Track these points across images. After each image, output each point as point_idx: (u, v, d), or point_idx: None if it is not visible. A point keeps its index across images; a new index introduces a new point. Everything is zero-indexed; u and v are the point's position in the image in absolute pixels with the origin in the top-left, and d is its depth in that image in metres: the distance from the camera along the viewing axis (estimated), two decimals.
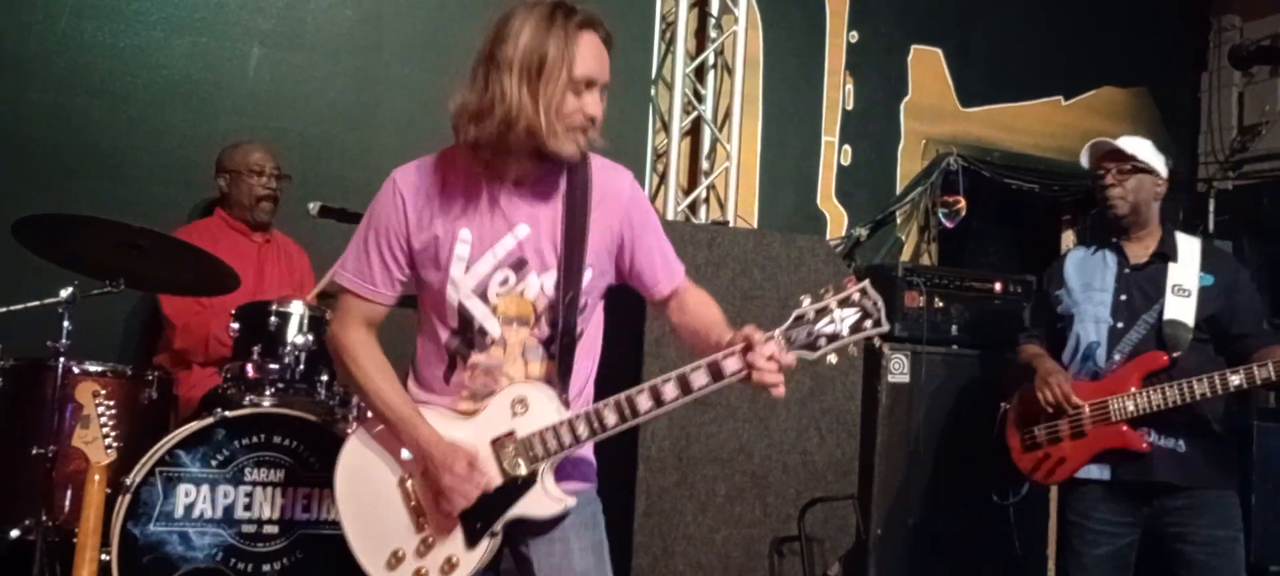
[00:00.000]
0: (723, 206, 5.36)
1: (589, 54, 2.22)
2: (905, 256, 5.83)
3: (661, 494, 4.10)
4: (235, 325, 3.57)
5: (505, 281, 2.31)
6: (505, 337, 2.33)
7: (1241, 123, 6.35)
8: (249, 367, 3.51)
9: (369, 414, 2.44)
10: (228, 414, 3.29)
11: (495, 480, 2.30)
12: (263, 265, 4.23)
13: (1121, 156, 3.56)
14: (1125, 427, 3.44)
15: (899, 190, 5.88)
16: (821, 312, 2.25)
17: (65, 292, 3.29)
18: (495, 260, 2.30)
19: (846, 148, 5.81)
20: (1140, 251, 3.60)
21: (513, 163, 2.28)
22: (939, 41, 6.00)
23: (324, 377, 3.58)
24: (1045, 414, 3.61)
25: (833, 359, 2.26)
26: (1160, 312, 3.47)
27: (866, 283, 2.28)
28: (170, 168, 4.49)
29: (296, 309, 3.57)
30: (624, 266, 2.45)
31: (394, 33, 4.89)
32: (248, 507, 3.30)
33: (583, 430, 2.30)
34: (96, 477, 2.97)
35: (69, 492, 3.35)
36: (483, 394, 2.34)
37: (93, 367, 3.44)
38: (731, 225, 5.11)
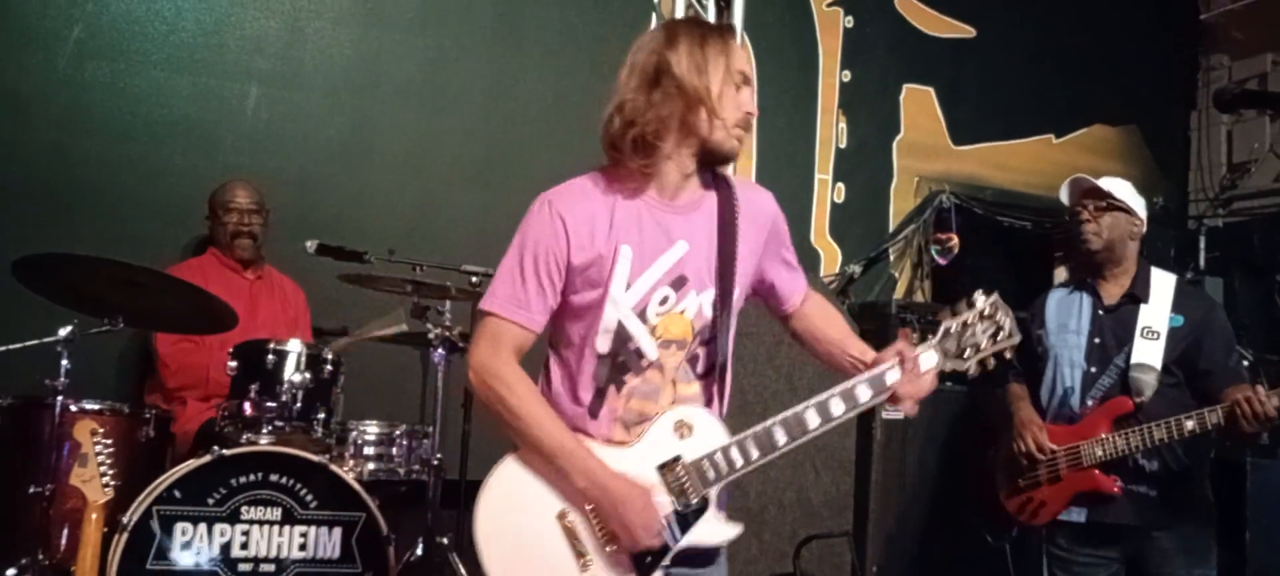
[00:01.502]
0: None
1: (741, 54, 2.30)
2: (898, 293, 5.86)
3: None
4: (233, 363, 3.58)
5: (665, 299, 2.26)
6: (662, 360, 2.27)
7: (1231, 160, 6.41)
8: (246, 405, 3.51)
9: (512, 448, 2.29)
10: (225, 452, 3.29)
11: (668, 509, 2.22)
12: (255, 301, 4.24)
13: (1098, 194, 3.62)
14: (1097, 472, 3.49)
15: (892, 227, 5.93)
16: (965, 327, 2.35)
17: (64, 331, 3.30)
18: (656, 277, 2.26)
19: (840, 185, 5.86)
20: (1114, 291, 3.64)
21: (670, 171, 2.28)
22: (931, 80, 6.07)
23: (321, 415, 3.59)
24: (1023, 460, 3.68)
25: (975, 370, 2.37)
26: (1128, 356, 3.52)
27: (996, 296, 2.40)
28: (169, 206, 4.51)
29: (294, 347, 3.59)
30: (763, 280, 2.46)
31: (391, 73, 4.93)
32: (244, 546, 3.29)
33: (754, 451, 2.24)
34: (94, 516, 2.97)
35: (66, 531, 3.35)
36: (634, 422, 2.26)
37: (90, 406, 3.44)
38: None
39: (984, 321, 2.35)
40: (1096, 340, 3.61)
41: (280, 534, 3.33)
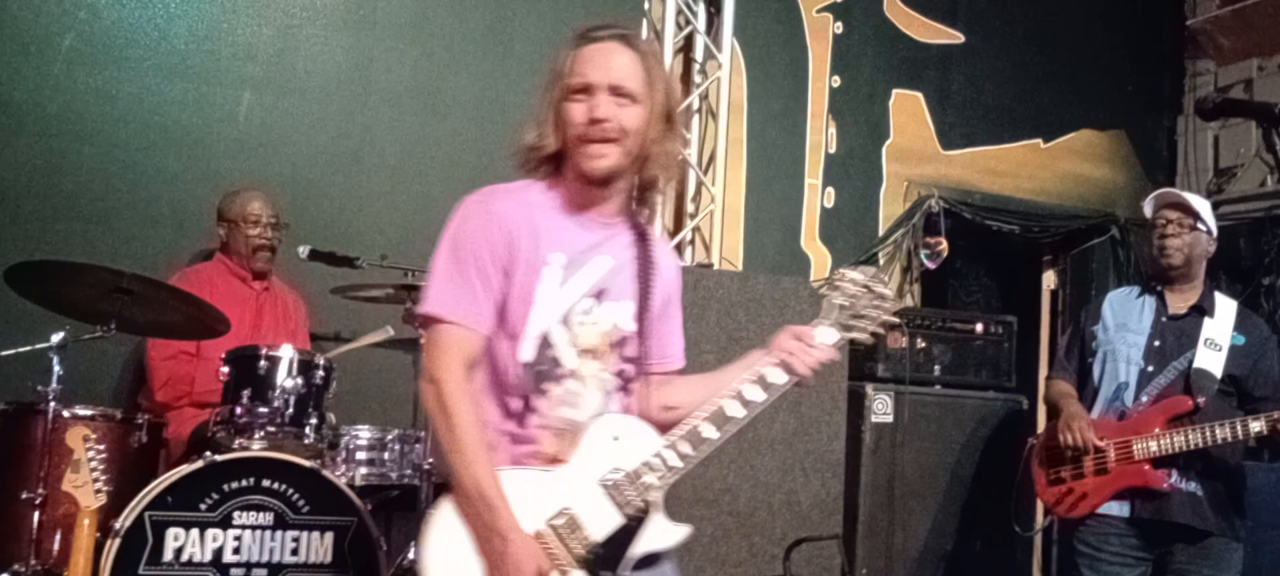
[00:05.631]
0: (708, 249, 5.42)
1: (591, 59, 2.24)
2: None
3: None
4: (226, 369, 3.59)
5: (587, 310, 2.27)
6: (580, 370, 2.27)
7: (1217, 165, 6.45)
8: (238, 411, 3.53)
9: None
10: (217, 457, 3.31)
11: (614, 522, 2.22)
12: (261, 311, 4.25)
13: (1187, 210, 3.71)
14: (1147, 466, 3.57)
15: (881, 232, 5.96)
16: (852, 300, 2.40)
17: (57, 338, 3.32)
18: (582, 287, 2.27)
19: (830, 190, 5.88)
20: (1180, 303, 3.75)
21: (580, 192, 2.29)
22: (920, 86, 6.10)
23: (313, 421, 3.61)
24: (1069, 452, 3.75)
25: (868, 339, 2.42)
26: (1191, 360, 3.63)
27: (873, 269, 2.47)
28: (162, 212, 4.53)
29: (286, 353, 3.60)
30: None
31: (383, 79, 4.95)
32: (237, 551, 3.31)
33: (687, 448, 2.25)
34: (86, 522, 2.98)
35: (58, 536, 3.35)
36: (563, 428, 2.26)
37: (83, 412, 3.46)
38: (716, 267, 5.17)
39: (867, 293, 2.40)
40: (1157, 343, 3.71)
41: (272, 538, 3.35)
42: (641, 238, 2.37)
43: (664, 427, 2.31)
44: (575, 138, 2.23)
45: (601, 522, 2.22)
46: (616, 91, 2.23)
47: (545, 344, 2.24)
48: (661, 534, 2.27)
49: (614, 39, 2.26)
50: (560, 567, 2.17)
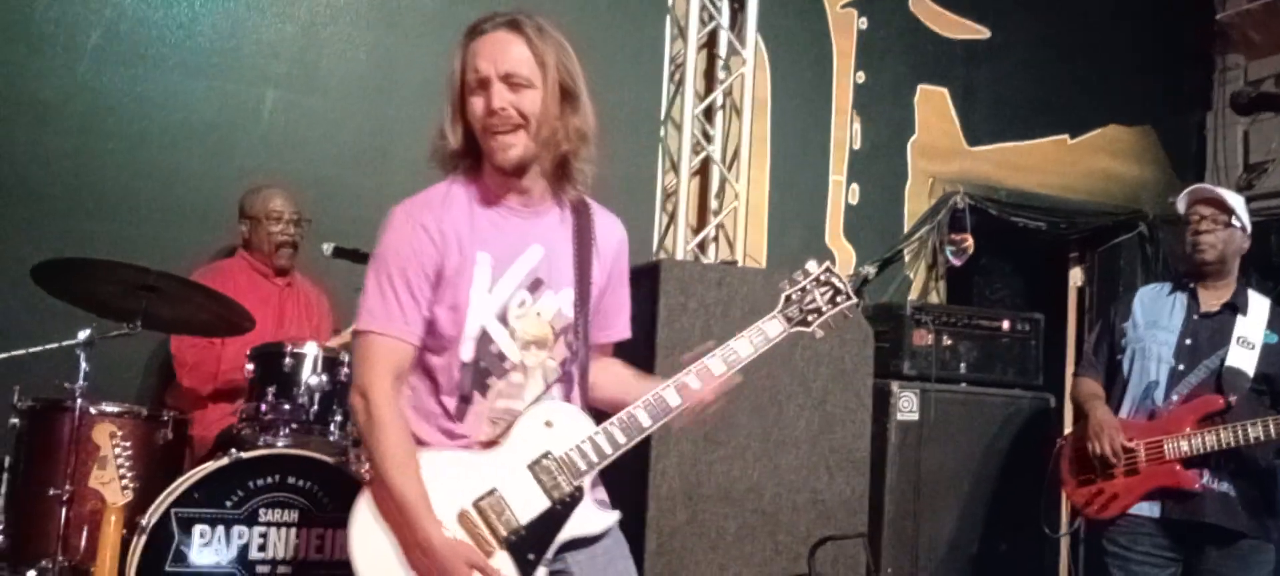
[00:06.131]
0: (732, 245, 5.39)
1: (480, 52, 2.29)
2: (913, 294, 5.85)
3: (672, 532, 4.11)
4: (250, 366, 3.60)
5: (522, 303, 2.31)
6: (524, 362, 2.32)
7: (1247, 161, 6.37)
8: (263, 408, 3.53)
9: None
10: (242, 455, 3.31)
11: (541, 506, 2.26)
12: (283, 308, 4.26)
13: (1221, 206, 3.68)
14: (1178, 467, 3.53)
15: (907, 228, 5.92)
16: (803, 293, 2.44)
17: (83, 334, 3.33)
18: (515, 281, 2.31)
19: (854, 186, 5.85)
20: (1212, 300, 3.71)
21: (500, 184, 2.34)
22: (945, 81, 6.05)
23: (338, 418, 3.61)
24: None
25: (820, 332, 2.45)
26: (1223, 359, 3.58)
27: (828, 262, 2.49)
28: (187, 210, 4.54)
29: (310, 350, 3.60)
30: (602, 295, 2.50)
31: (406, 75, 4.95)
32: (262, 548, 3.31)
33: (620, 436, 2.30)
34: (113, 518, 3.00)
35: (85, 533, 3.36)
36: (502, 417, 2.31)
37: (109, 409, 3.47)
38: (740, 264, 5.15)
39: (821, 286, 2.44)
40: (1188, 341, 3.67)
41: (298, 536, 3.35)
42: (576, 215, 2.40)
43: (591, 408, 2.39)
44: (481, 131, 2.29)
45: (528, 506, 2.26)
46: (509, 80, 2.27)
47: (485, 341, 2.29)
48: (589, 519, 2.31)
49: (501, 28, 2.31)
50: (485, 548, 2.22)
